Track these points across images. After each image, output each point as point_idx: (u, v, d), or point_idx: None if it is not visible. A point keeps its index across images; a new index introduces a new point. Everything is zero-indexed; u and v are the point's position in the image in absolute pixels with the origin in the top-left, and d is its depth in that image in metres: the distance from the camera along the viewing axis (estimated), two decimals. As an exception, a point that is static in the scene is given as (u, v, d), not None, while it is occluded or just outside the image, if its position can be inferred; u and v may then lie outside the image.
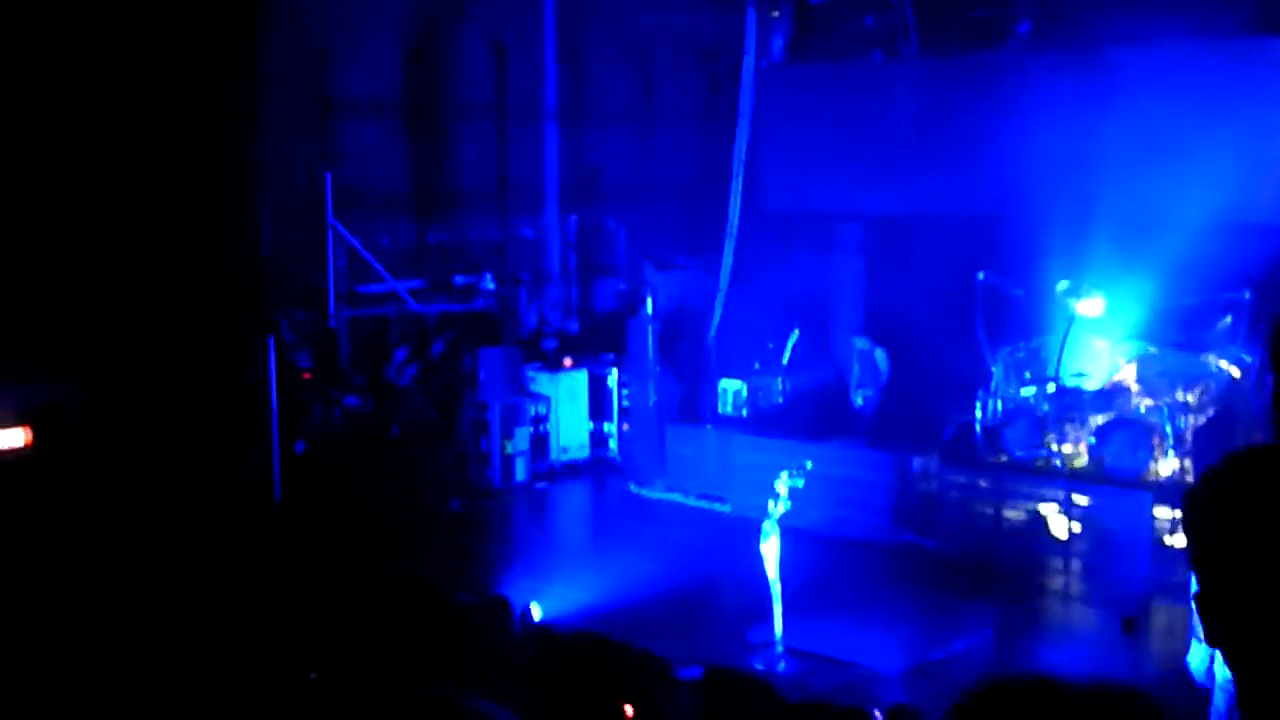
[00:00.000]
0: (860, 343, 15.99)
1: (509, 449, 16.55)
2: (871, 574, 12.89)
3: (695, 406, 16.67)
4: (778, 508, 11.57)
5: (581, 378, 17.43)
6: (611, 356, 17.55)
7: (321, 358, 17.07)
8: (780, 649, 11.18)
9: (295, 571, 11.38)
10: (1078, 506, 13.38)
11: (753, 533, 11.57)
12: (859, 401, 15.80)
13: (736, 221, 17.13)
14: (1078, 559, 13.28)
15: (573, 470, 16.99)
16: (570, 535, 15.69)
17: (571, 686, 9.69)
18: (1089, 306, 14.20)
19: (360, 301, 17.50)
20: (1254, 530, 1.92)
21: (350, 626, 9.61)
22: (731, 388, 16.52)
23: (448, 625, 10.06)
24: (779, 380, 16.55)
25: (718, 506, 15.44)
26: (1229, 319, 13.70)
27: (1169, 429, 13.42)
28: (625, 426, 17.19)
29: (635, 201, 19.02)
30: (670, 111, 20.15)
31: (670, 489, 16.15)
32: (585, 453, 17.43)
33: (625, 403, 17.19)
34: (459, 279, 18.07)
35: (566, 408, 17.21)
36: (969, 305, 14.85)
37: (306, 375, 16.55)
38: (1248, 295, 13.51)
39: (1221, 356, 13.71)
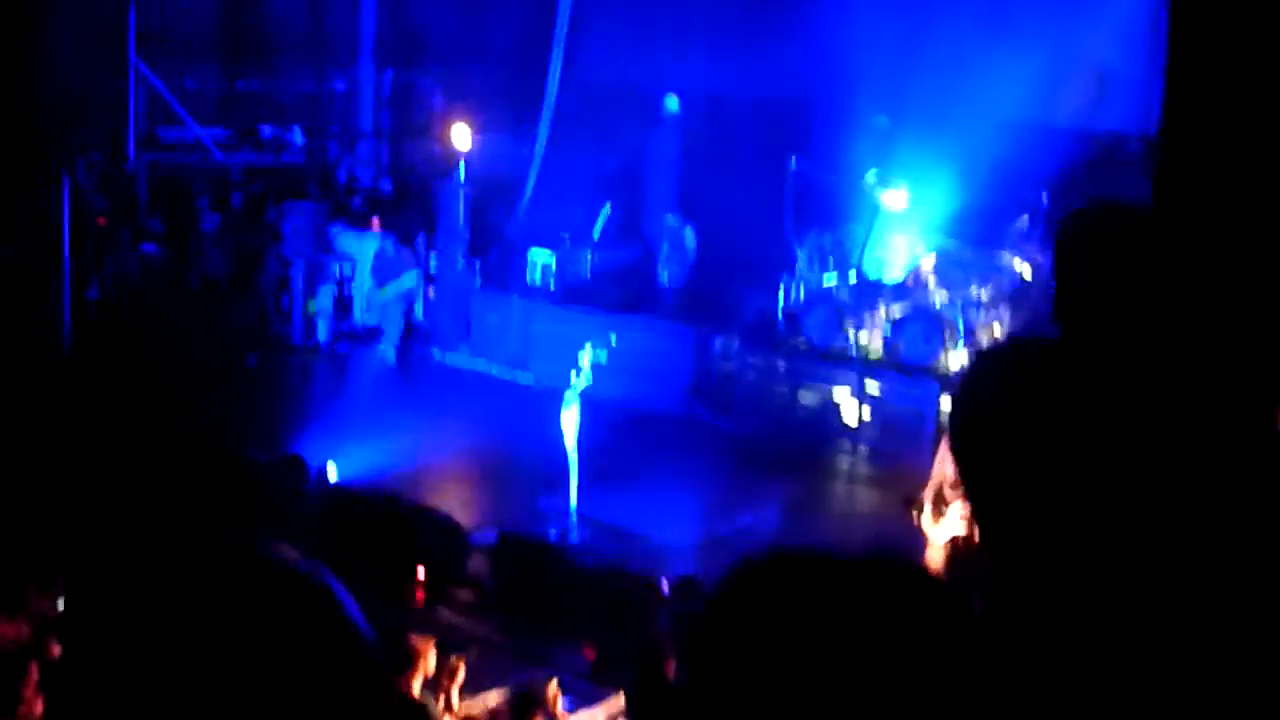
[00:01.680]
0: (670, 220, 16.03)
1: (311, 307, 16.21)
2: (667, 448, 13.01)
3: (503, 276, 16.54)
4: (579, 379, 11.65)
5: (388, 239, 17.08)
6: (420, 219, 17.25)
7: (119, 203, 16.40)
8: (574, 517, 11.29)
9: (82, 422, 11.03)
10: (869, 393, 13.76)
11: (554, 403, 11.63)
12: (664, 278, 15.89)
13: (555, 90, 16.93)
14: (866, 443, 13.67)
15: (372, 333, 16.71)
16: (370, 398, 15.47)
17: (365, 546, 9.67)
18: (894, 198, 14.47)
19: (162, 147, 16.81)
20: (1019, 440, 1.90)
21: (137, 482, 9.37)
22: (540, 259, 16.40)
23: (239, 482, 9.91)
24: (588, 253, 16.52)
25: (521, 376, 15.41)
26: (1025, 219, 14.15)
27: (961, 322, 13.85)
28: (431, 292, 16.96)
29: (454, 62, 18.57)
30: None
31: (474, 357, 16.05)
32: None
33: (432, 268, 16.94)
34: (266, 130, 17.49)
35: (371, 269, 16.86)
36: (780, 189, 14.99)
37: (102, 220, 15.90)
38: (1044, 197, 13.94)
39: (1016, 255, 14.17)
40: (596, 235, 16.53)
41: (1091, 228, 2.39)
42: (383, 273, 16.47)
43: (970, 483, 2.00)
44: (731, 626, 1.38)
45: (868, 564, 1.41)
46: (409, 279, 16.46)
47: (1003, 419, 1.91)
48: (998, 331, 14.08)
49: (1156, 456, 1.87)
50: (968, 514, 9.55)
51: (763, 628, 1.36)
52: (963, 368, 13.65)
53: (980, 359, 2.15)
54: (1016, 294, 14.14)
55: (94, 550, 7.21)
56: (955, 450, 2.01)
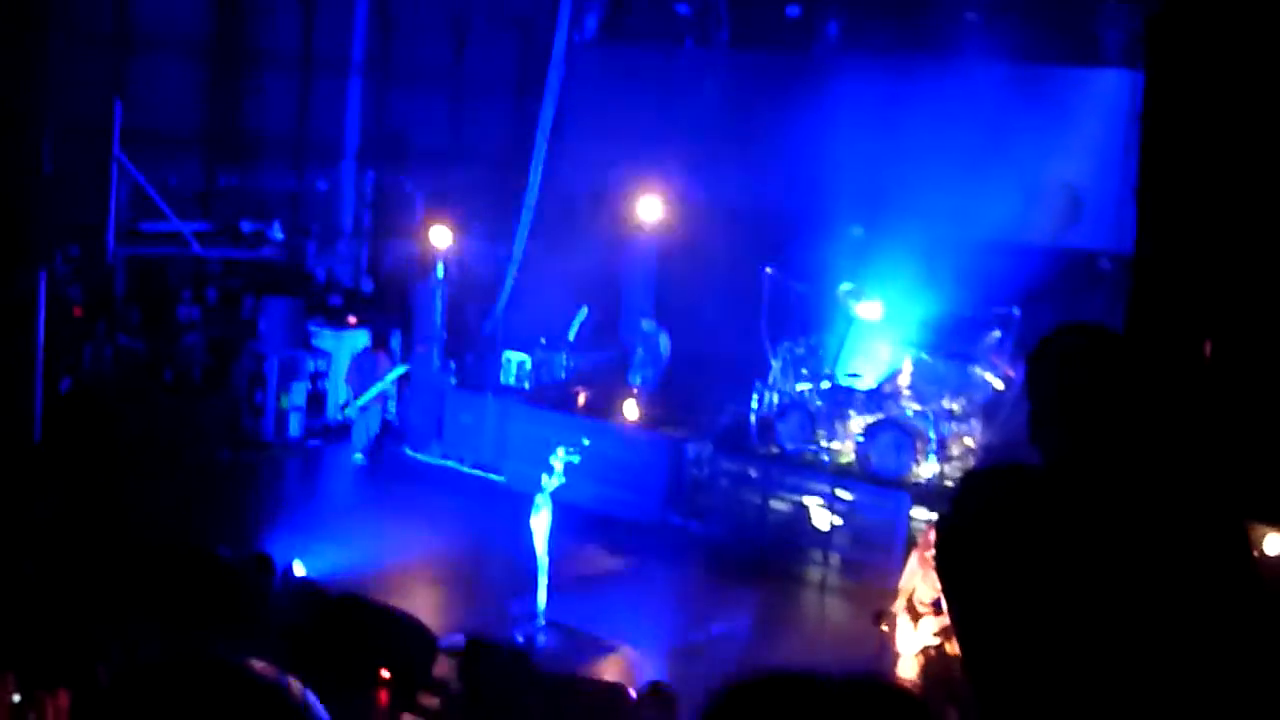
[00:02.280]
0: (646, 324, 16.09)
1: (284, 403, 16.14)
2: (638, 554, 12.98)
3: (479, 376, 16.53)
4: (551, 481, 11.59)
5: (364, 337, 17.11)
6: (398, 319, 17.28)
7: (96, 295, 16.37)
8: (543, 622, 11.18)
9: (49, 515, 10.89)
10: (841, 501, 13.73)
11: (525, 505, 11.55)
12: (638, 382, 15.92)
13: (536, 195, 17.06)
14: (837, 552, 13.61)
15: (346, 429, 16.64)
16: (340, 495, 15.37)
17: (332, 647, 9.52)
18: (868, 310, 14.57)
19: (142, 240, 16.83)
20: (1003, 562, 1.96)
21: (103, 578, 9.23)
22: (516, 359, 16.41)
23: (207, 580, 9.77)
24: (563, 355, 16.54)
25: (493, 476, 15.35)
26: (998, 333, 14.26)
27: (932, 434, 13.89)
28: (406, 391, 16.93)
29: (436, 165, 18.75)
30: (480, 79, 19.92)
31: (446, 456, 16.00)
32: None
33: (408, 367, 16.94)
34: (246, 225, 17.54)
35: (348, 367, 16.85)
36: (755, 297, 15.09)
37: (78, 311, 15.85)
38: (1016, 311, 14.07)
39: (987, 369, 14.27)
40: (572, 337, 16.57)
41: (1063, 350, 2.41)
42: (359, 371, 16.45)
43: (954, 601, 2.06)
44: None
45: (854, 685, 1.43)
46: (385, 379, 16.44)
47: (988, 542, 1.96)
48: (969, 443, 14.14)
49: (1138, 579, 1.91)
50: (939, 628, 9.54)
51: None
52: (937, 482, 13.68)
53: (966, 483, 2.18)
54: (988, 407, 14.21)
55: (54, 647, 7.08)
56: (941, 569, 2.07)
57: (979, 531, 2.00)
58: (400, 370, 16.62)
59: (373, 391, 16.22)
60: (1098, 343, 2.39)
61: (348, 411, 16.31)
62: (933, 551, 8.09)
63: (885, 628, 10.10)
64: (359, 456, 16.02)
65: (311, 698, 1.42)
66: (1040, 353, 2.44)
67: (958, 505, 2.11)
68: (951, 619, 2.05)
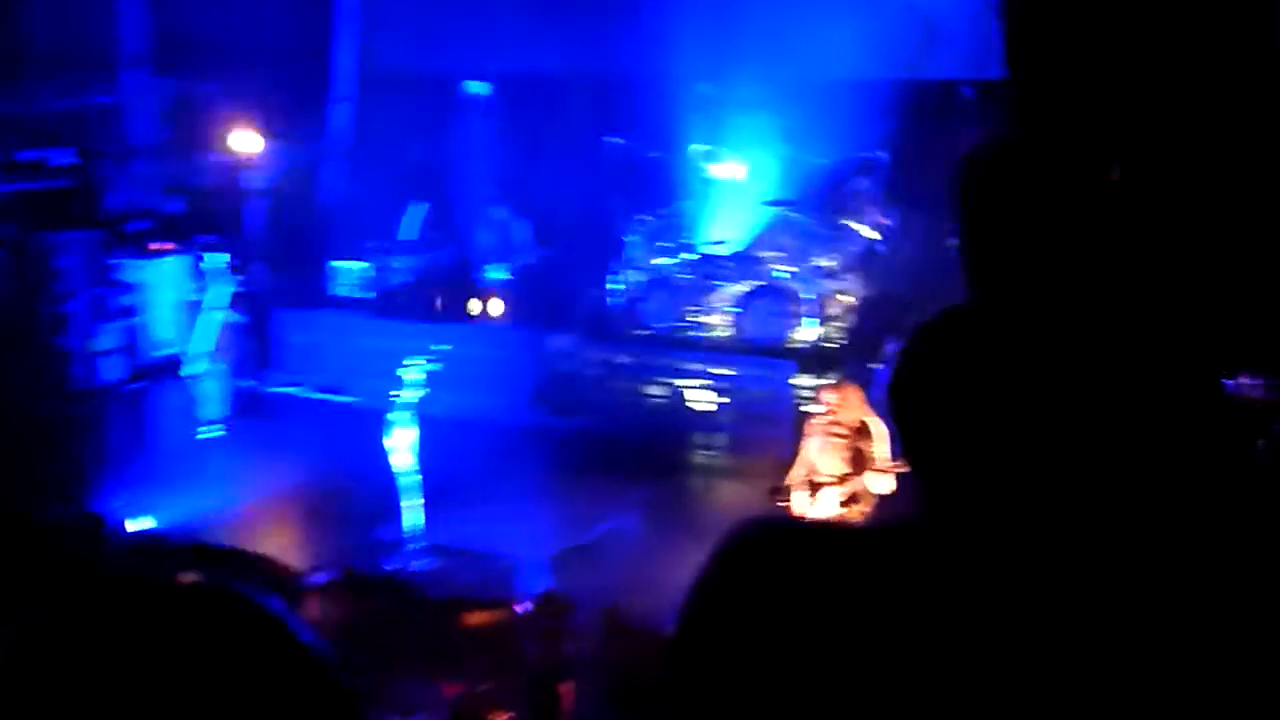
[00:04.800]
0: (497, 212, 15.75)
1: (96, 346, 15.46)
2: (512, 460, 12.77)
3: (312, 291, 16.06)
4: (409, 395, 11.29)
5: (179, 263, 16.43)
6: (214, 238, 16.61)
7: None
8: (418, 546, 10.98)
9: None
10: (719, 378, 13.67)
11: (382, 424, 11.27)
12: (496, 277, 15.59)
13: (350, 83, 16.45)
14: (721, 432, 13.58)
15: (172, 366, 16.03)
16: (173, 437, 14.83)
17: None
18: (726, 170, 14.41)
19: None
20: (957, 399, 2.01)
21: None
22: (351, 267, 15.97)
23: (33, 544, 9.32)
24: (403, 257, 16.12)
25: (342, 398, 14.98)
26: (866, 180, 14.19)
27: (808, 295, 13.83)
28: (233, 315, 16.36)
29: (236, 65, 17.93)
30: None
31: (286, 382, 15.55)
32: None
33: (239, 289, 16.35)
34: (23, 154, 16.62)
35: (163, 297, 16.19)
36: (606, 171, 14.81)
37: None
38: (883, 155, 14.00)
39: (858, 219, 14.20)
40: (412, 236, 16.14)
41: (992, 172, 2.47)
42: (177, 301, 15.83)
43: (917, 448, 2.10)
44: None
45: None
46: (208, 303, 15.85)
47: (948, 386, 2.02)
48: (848, 301, 14.12)
49: (1099, 408, 1.97)
50: (844, 498, 9.50)
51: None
52: (819, 345, 13.67)
53: (917, 334, 2.19)
54: (864, 259, 14.18)
55: None
56: (903, 421, 2.11)
57: (939, 375, 2.05)
58: (224, 294, 16.02)
59: (201, 335, 15.64)
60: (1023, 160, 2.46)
61: (184, 370, 15.70)
62: (832, 419, 7.95)
63: (782, 503, 10.07)
64: (192, 386, 15.42)
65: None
66: (968, 176, 2.49)
67: (913, 353, 2.15)
68: (914, 468, 2.08)
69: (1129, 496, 1.93)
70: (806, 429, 9.99)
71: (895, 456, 9.13)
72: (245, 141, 15.89)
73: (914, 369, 2.09)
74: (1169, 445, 1.97)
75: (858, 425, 9.49)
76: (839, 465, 9.56)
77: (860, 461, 9.45)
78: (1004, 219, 2.36)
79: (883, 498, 9.37)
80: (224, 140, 16.65)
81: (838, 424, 9.56)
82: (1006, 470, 1.93)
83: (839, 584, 1.46)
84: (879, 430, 9.35)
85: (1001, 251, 2.33)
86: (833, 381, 10.37)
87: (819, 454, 9.70)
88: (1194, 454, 2.00)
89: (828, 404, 9.74)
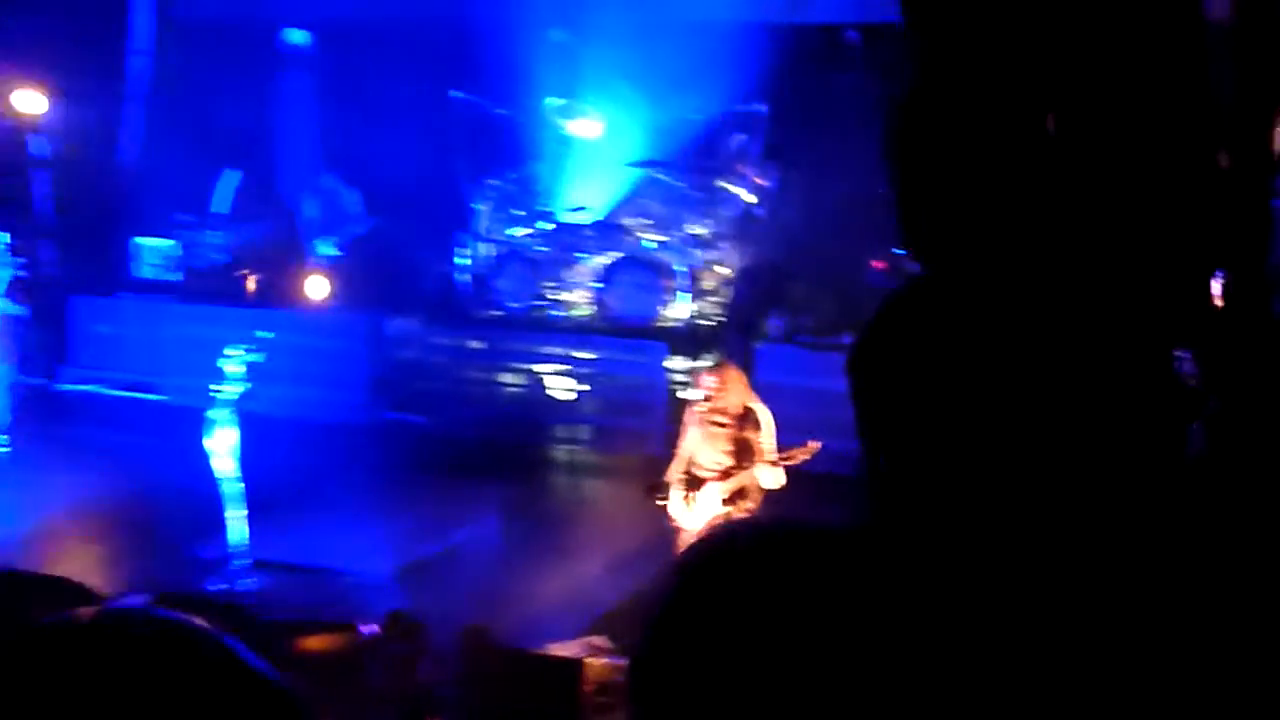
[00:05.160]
0: (325, 181, 15.63)
1: None
2: (349, 462, 12.70)
3: (109, 272, 15.82)
4: (228, 390, 11.15)
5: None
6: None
7: None
8: (244, 563, 10.85)
9: None
10: (582, 362, 13.70)
11: (198, 424, 11.13)
12: (325, 252, 15.38)
13: (148, 32, 16.22)
14: (585, 423, 13.61)
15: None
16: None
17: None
18: (585, 127, 14.41)
19: None
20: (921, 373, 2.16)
21: None
22: (155, 246, 15.76)
23: None
24: (216, 233, 15.93)
25: (148, 396, 14.77)
26: (742, 136, 14.27)
27: (680, 267, 13.87)
28: (20, 304, 16.03)
29: (13, 9, 17.55)
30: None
31: (84, 379, 15.30)
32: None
33: (21, 274, 16.04)
34: None
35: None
36: (448, 131, 14.76)
37: None
38: (761, 108, 14.08)
39: (734, 181, 14.27)
40: (226, 209, 15.97)
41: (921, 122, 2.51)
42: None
43: (877, 425, 2.22)
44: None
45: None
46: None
47: (911, 362, 2.17)
48: (724, 272, 14.18)
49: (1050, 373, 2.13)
50: (728, 493, 9.51)
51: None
52: (693, 322, 13.73)
53: (880, 310, 2.30)
54: (741, 225, 14.27)
55: None
56: (863, 397, 2.22)
57: (902, 347, 2.19)
58: (2, 279, 15.65)
59: None
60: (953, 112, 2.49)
61: None
62: (712, 406, 7.93)
63: (661, 501, 10.05)
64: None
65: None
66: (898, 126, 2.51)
67: (874, 333, 2.26)
68: (871, 447, 2.17)
69: (1084, 476, 2.09)
70: (684, 418, 9.98)
71: (782, 446, 9.16)
72: (27, 101, 15.53)
73: (876, 345, 2.21)
74: (1121, 419, 2.13)
75: (741, 412, 9.45)
76: (722, 458, 9.55)
77: (746, 453, 9.43)
78: (941, 171, 2.41)
79: (770, 493, 9.39)
80: (2, 99, 16.33)
81: (718, 411, 9.53)
82: (965, 446, 2.07)
83: (809, 591, 1.50)
84: (765, 417, 9.34)
85: (940, 209, 2.35)
86: (711, 363, 10.38)
87: (699, 446, 9.68)
88: (1144, 426, 2.16)
89: (706, 389, 9.71)
